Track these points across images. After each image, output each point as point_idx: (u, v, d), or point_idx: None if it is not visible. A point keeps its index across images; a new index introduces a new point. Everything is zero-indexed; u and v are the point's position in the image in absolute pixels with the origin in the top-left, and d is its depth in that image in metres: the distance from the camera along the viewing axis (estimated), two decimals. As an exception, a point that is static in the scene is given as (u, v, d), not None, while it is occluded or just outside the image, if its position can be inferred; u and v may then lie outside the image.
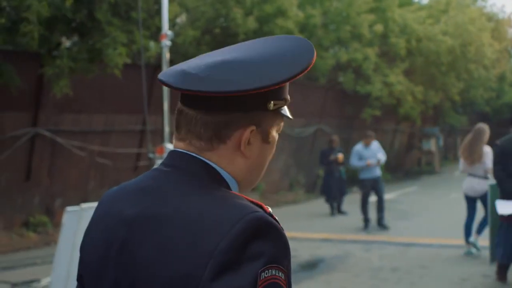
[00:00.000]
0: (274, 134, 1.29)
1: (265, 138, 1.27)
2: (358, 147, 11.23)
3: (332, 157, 13.19)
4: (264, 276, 1.08)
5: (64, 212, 5.34)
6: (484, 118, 36.34)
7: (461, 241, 8.87)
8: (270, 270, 1.09)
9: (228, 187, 1.26)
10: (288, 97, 1.30)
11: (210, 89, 1.18)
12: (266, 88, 1.18)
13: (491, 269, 7.29)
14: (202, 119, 1.24)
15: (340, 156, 13.26)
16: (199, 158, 1.26)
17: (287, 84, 1.27)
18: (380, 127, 22.23)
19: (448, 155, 30.62)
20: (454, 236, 9.58)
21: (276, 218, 1.18)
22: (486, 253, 7.70)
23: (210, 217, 1.14)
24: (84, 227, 4.86)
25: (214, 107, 1.23)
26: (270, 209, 1.19)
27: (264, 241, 1.11)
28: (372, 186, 11.00)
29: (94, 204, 5.45)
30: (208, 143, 1.25)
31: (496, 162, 6.84)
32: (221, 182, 1.25)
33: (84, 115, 11.68)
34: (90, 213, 4.69)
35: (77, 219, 5.04)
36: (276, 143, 1.31)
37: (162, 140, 6.06)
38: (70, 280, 5.22)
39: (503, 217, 6.69)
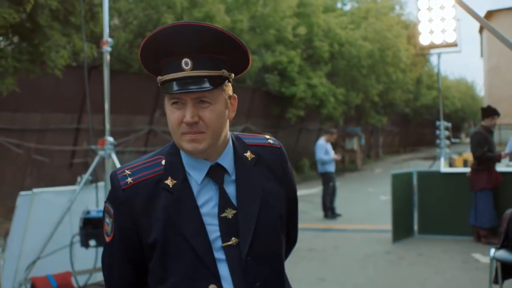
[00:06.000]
0: (167, 104, 1.65)
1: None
2: (323, 142, 11.80)
3: None
4: (104, 205, 1.81)
5: (17, 200, 5.95)
6: (404, 118, 38.28)
7: (370, 226, 9.97)
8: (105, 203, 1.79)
9: None
10: (166, 76, 1.61)
11: None
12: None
13: (393, 247, 8.40)
14: None
15: None
16: None
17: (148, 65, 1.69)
18: (305, 127, 23.26)
19: (370, 153, 32.03)
20: (366, 222, 10.75)
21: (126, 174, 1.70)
22: (389, 235, 8.79)
23: None
24: (35, 210, 5.64)
25: None
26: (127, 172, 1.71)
27: None
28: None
29: (45, 189, 6.11)
30: None
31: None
32: None
33: (20, 114, 12.09)
34: (41, 197, 5.46)
35: (30, 202, 5.69)
36: (171, 112, 1.63)
37: (100, 136, 6.62)
38: (22, 258, 5.84)
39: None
